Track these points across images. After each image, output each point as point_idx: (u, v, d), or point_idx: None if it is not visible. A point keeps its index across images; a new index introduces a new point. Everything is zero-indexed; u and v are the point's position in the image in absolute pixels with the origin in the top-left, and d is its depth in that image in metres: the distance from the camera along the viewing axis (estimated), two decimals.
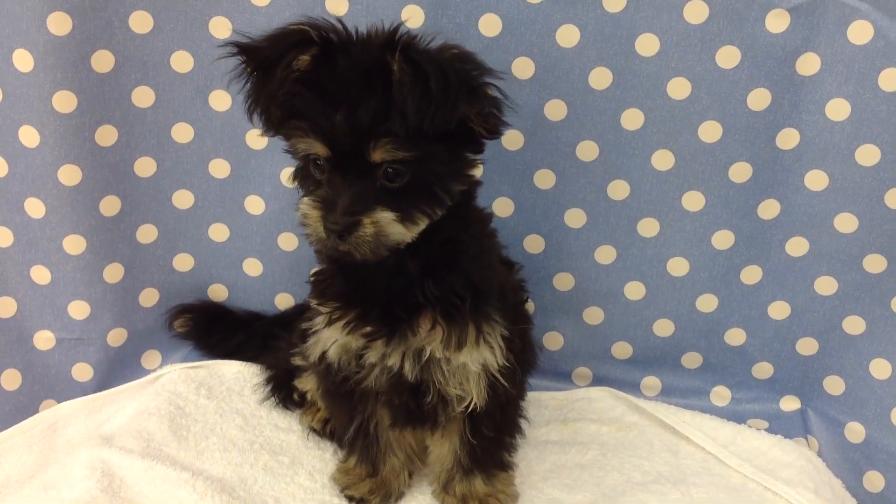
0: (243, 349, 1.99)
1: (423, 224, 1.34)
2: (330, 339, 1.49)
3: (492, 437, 1.58)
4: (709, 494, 1.67)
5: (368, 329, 1.44)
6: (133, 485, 1.60)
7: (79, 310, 1.92)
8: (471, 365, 1.46)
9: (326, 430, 1.78)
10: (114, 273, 1.92)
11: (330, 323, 1.47)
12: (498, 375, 1.49)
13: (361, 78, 1.26)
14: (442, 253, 1.40)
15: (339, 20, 1.32)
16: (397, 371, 1.46)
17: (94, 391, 1.96)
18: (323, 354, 1.51)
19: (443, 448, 1.60)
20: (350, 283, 1.45)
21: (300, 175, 1.40)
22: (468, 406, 1.50)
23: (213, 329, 2.02)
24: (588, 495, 1.66)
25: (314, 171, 1.34)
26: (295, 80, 1.28)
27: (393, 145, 1.25)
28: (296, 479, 1.67)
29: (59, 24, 1.70)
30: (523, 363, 1.60)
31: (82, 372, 1.96)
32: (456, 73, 1.25)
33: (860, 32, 1.67)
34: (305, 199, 1.33)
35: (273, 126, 1.35)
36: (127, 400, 1.90)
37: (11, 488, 1.65)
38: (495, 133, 1.34)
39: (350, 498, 1.61)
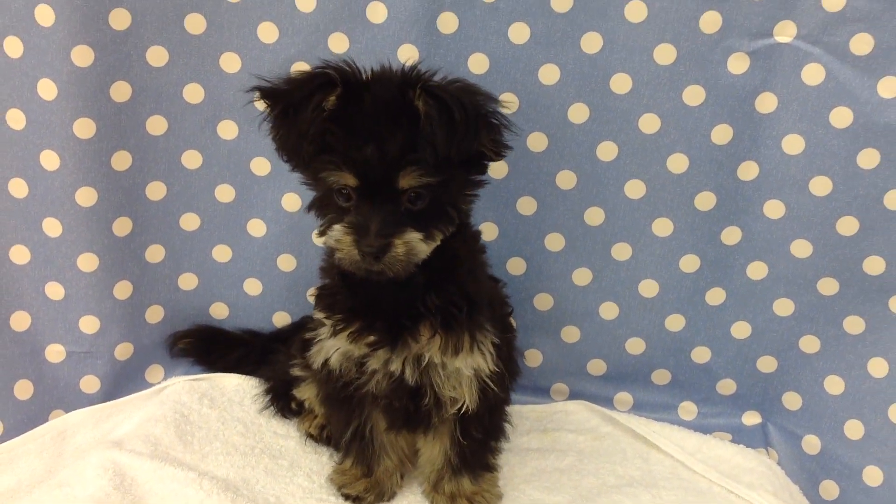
0: (242, 364, 2.09)
1: (438, 241, 1.48)
2: (333, 347, 1.61)
3: (480, 439, 1.69)
4: (678, 497, 1.78)
5: (372, 338, 1.56)
6: (143, 483, 1.70)
7: (89, 324, 2.02)
8: (464, 370, 1.58)
9: (323, 436, 1.88)
10: (123, 290, 2.02)
11: (335, 333, 1.59)
12: (488, 380, 1.61)
13: (384, 113, 1.40)
14: (444, 267, 1.53)
15: (353, 61, 1.46)
16: (399, 376, 1.58)
17: (100, 402, 2.04)
18: (325, 361, 1.63)
19: (434, 449, 1.71)
20: (356, 297, 1.57)
21: (319, 205, 1.52)
22: (460, 408, 1.62)
23: (212, 347, 2.12)
24: (567, 496, 1.77)
25: (338, 200, 1.45)
26: (324, 118, 1.40)
27: (419, 172, 1.39)
28: (295, 480, 1.77)
29: (83, 56, 1.83)
30: (510, 370, 1.73)
31: (90, 384, 2.05)
32: (472, 105, 1.41)
33: (813, 74, 1.82)
34: (337, 226, 1.44)
35: (304, 162, 1.46)
36: (133, 410, 2.00)
37: (22, 492, 1.74)
38: (500, 155, 1.49)
39: (346, 496, 1.71)
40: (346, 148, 1.40)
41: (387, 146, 1.38)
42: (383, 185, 1.41)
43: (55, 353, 2.03)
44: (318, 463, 1.84)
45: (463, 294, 1.57)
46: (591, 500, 1.75)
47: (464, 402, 1.61)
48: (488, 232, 2.01)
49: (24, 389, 2.01)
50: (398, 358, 1.57)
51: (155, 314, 2.10)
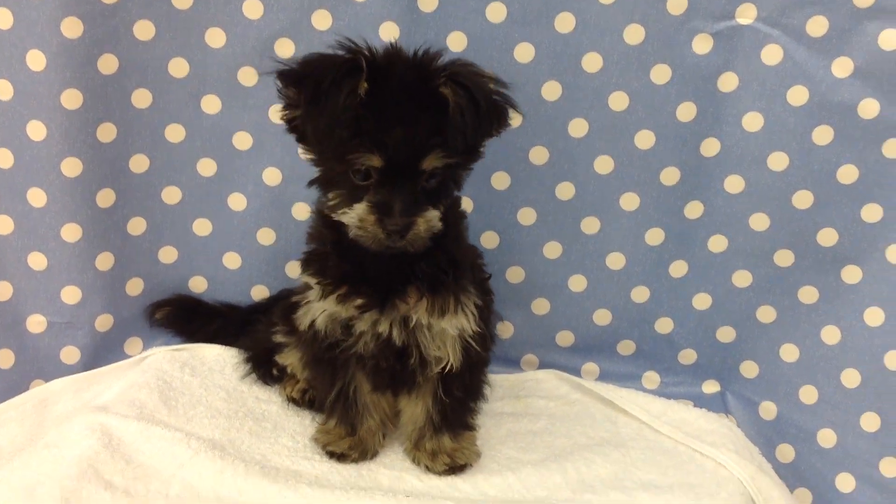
0: (221, 335, 2.13)
1: (441, 213, 1.56)
2: (320, 309, 1.67)
3: (461, 398, 1.76)
4: (645, 455, 1.87)
5: (361, 301, 1.62)
6: (131, 443, 1.72)
7: (71, 295, 2.04)
8: (450, 330, 1.65)
9: (305, 399, 1.93)
10: (105, 261, 2.05)
11: (324, 296, 1.65)
12: (471, 340, 1.69)
13: (409, 97, 1.47)
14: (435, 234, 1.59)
15: (368, 42, 1.52)
16: (386, 337, 1.65)
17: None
18: (312, 323, 1.69)
19: (416, 408, 1.77)
20: (348, 262, 1.63)
21: (326, 181, 1.58)
22: (444, 367, 1.69)
23: (192, 317, 2.15)
24: (541, 455, 1.84)
25: (354, 178, 1.50)
26: (358, 104, 1.44)
27: (442, 154, 1.47)
28: (279, 441, 1.81)
29: (72, 28, 1.86)
30: (490, 330, 1.80)
31: (70, 355, 2.08)
32: (490, 93, 1.52)
33: (772, 55, 1.92)
34: (359, 205, 1.50)
35: (334, 145, 1.48)
36: (113, 379, 2.02)
37: (3, 459, 1.74)
38: (501, 132, 1.59)
39: (331, 453, 1.76)
40: (375, 131, 1.46)
41: (414, 130, 1.46)
42: (406, 166, 1.48)
43: (36, 323, 2.06)
44: (301, 425, 1.88)
45: (449, 258, 1.64)
46: (564, 458, 1.82)
47: (448, 361, 1.68)
48: (463, 206, 2.05)
49: (4, 359, 2.05)
50: (386, 320, 1.64)
51: (135, 286, 2.13)
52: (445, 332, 1.66)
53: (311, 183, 1.61)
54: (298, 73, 1.50)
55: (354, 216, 1.51)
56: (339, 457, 1.76)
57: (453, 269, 1.65)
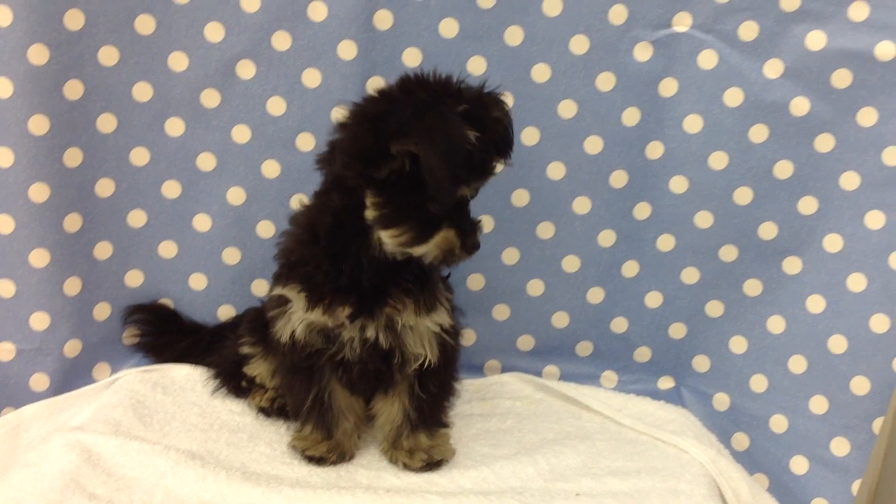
0: (190, 353, 2.15)
1: None
2: (301, 319, 1.72)
3: (436, 394, 1.82)
4: (611, 446, 1.94)
5: (349, 310, 1.68)
6: (110, 457, 1.73)
7: (39, 321, 2.05)
8: (431, 326, 1.73)
9: (274, 408, 1.96)
10: (73, 286, 2.06)
11: (311, 307, 1.70)
12: (445, 335, 1.76)
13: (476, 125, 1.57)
14: None
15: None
16: (373, 341, 1.71)
17: None
18: (292, 333, 1.73)
19: (393, 408, 1.82)
20: (343, 272, 1.67)
21: (394, 219, 1.59)
22: (422, 363, 1.75)
23: (165, 330, 2.18)
24: (512, 450, 1.90)
25: (432, 206, 1.57)
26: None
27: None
28: (257, 449, 1.84)
29: (39, 54, 1.90)
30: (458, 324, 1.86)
31: (39, 382, 2.07)
32: None
33: (708, 60, 2.01)
34: (442, 232, 1.60)
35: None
36: (85, 402, 2.02)
37: None
38: None
39: (310, 458, 1.79)
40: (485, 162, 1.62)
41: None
42: None
43: (5, 350, 2.05)
44: (276, 434, 1.92)
45: (419, 260, 1.70)
46: (535, 452, 1.88)
47: (426, 357, 1.75)
48: None
49: None
50: (374, 325, 1.70)
51: (102, 311, 2.13)
52: (427, 328, 1.73)
53: (378, 221, 1.60)
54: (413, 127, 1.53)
55: (435, 244, 1.61)
56: (318, 460, 1.80)
57: (429, 267, 1.71)
